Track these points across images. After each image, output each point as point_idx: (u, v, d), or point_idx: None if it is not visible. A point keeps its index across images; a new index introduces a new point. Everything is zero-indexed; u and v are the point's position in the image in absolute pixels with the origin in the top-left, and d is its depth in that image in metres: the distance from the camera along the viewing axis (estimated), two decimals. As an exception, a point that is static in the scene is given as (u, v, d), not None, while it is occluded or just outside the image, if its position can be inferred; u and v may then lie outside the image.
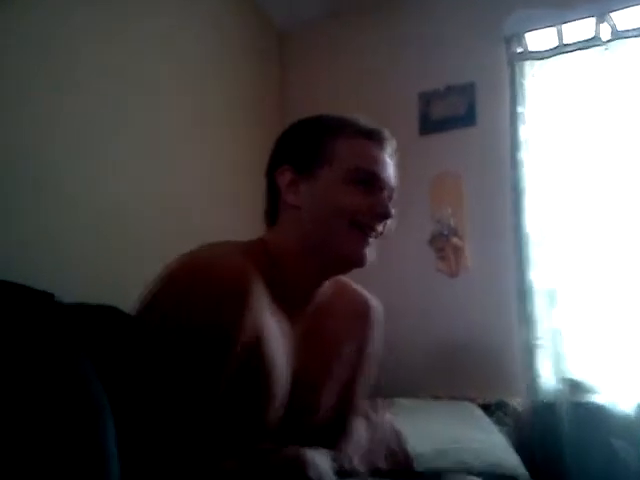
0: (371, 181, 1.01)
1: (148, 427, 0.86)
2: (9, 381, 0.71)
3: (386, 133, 1.07)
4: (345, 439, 1.18)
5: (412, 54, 2.86)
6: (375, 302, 1.21)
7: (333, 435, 1.14)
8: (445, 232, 2.57)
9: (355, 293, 1.20)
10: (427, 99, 2.78)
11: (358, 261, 1.03)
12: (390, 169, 1.05)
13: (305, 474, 0.96)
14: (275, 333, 0.96)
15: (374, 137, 1.04)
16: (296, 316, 1.04)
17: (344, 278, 1.17)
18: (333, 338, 1.11)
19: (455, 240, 2.56)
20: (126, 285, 1.92)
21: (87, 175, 1.95)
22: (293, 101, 3.13)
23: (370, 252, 1.03)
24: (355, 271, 1.07)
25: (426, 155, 2.60)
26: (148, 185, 2.21)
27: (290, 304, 1.02)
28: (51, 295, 1.03)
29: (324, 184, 1.01)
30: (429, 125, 2.75)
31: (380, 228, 1.03)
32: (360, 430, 1.78)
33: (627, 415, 2.09)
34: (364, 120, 1.06)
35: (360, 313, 1.18)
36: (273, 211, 1.08)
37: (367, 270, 1.05)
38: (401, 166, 1.12)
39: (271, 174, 1.07)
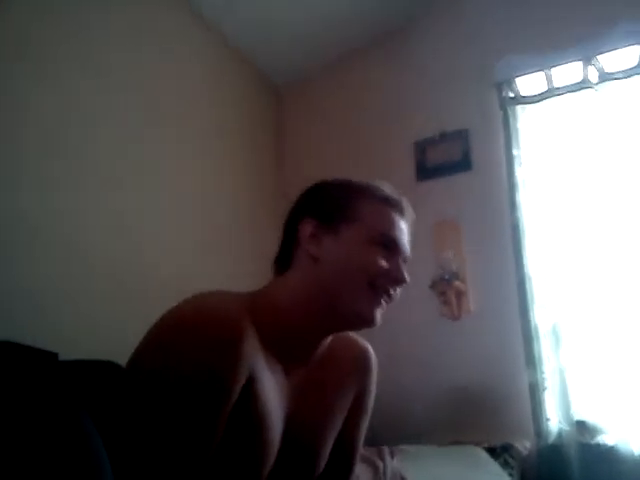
0: (391, 246, 1.04)
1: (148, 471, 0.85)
2: (12, 438, 0.73)
3: (405, 202, 1.11)
4: None
5: (406, 103, 2.95)
6: (371, 349, 1.22)
7: None
8: (446, 276, 2.59)
9: (352, 341, 1.21)
10: (422, 147, 2.85)
11: (370, 321, 1.05)
12: (407, 237, 1.09)
13: None
14: (269, 383, 0.96)
15: (397, 205, 1.08)
16: (292, 367, 1.04)
17: None
18: (330, 387, 1.11)
19: (457, 284, 2.58)
20: (128, 339, 1.96)
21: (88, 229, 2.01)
22: (292, 153, 3.22)
23: (380, 314, 1.05)
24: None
25: (424, 201, 2.64)
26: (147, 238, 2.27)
27: (287, 357, 1.02)
28: (55, 354, 1.06)
29: (348, 241, 1.02)
30: (426, 172, 2.82)
31: (393, 293, 1.06)
32: (366, 478, 1.78)
33: (636, 456, 2.06)
34: (388, 187, 1.09)
35: (358, 361, 1.18)
36: (284, 260, 1.08)
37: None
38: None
39: (292, 224, 1.08)
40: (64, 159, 1.96)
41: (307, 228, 1.04)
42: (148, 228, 2.27)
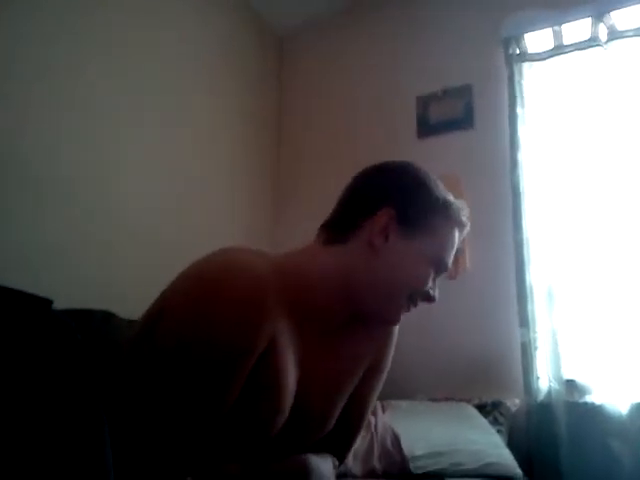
0: (441, 269, 1.05)
1: (151, 427, 0.86)
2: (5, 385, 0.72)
3: (467, 220, 1.09)
4: (349, 450, 1.19)
5: (409, 57, 2.89)
6: None
7: (338, 442, 1.14)
8: (444, 234, 2.57)
9: None
10: (425, 102, 2.80)
11: (393, 324, 1.11)
12: None
13: None
14: (287, 345, 0.95)
15: (463, 228, 1.07)
16: (311, 331, 1.02)
17: None
18: (348, 352, 1.09)
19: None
20: (122, 290, 1.98)
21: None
22: (291, 104, 3.17)
23: None
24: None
25: (425, 158, 2.56)
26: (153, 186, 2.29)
27: (307, 322, 1.00)
28: (49, 301, 1.05)
29: (415, 252, 1.01)
30: (427, 128, 2.77)
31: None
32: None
33: (622, 415, 2.09)
34: (459, 204, 1.07)
35: (381, 329, 1.16)
36: (338, 232, 1.04)
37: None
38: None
39: (370, 203, 1.03)
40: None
41: (384, 218, 1.00)
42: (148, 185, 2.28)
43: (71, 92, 1.97)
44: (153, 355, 0.88)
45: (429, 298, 1.05)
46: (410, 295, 1.03)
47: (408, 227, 1.01)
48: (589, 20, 2.47)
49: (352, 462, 1.66)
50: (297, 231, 1.18)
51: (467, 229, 1.08)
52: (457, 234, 1.06)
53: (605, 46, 2.42)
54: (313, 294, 1.00)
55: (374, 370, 1.16)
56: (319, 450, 1.08)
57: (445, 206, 1.04)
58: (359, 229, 1.01)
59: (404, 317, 1.15)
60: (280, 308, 0.92)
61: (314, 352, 1.02)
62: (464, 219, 1.06)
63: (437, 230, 1.03)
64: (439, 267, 1.04)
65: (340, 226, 1.04)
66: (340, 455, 1.14)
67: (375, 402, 1.24)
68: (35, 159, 1.81)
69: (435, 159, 2.64)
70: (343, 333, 1.07)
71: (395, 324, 1.09)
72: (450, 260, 1.05)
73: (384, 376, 1.19)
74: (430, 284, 1.04)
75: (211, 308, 0.85)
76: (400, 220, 1.00)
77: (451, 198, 1.06)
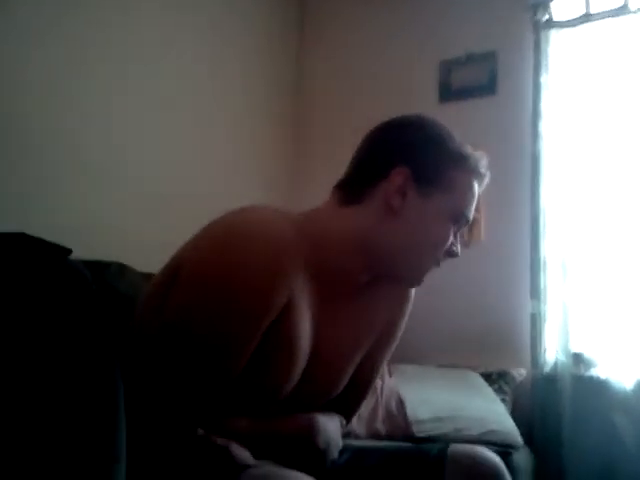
0: (462, 222, 1.02)
1: (166, 379, 0.87)
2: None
3: (486, 168, 1.04)
4: (355, 412, 1.20)
5: (434, 21, 2.81)
6: None
7: (345, 404, 1.14)
8: (460, 202, 2.56)
9: None
10: (448, 67, 2.74)
11: (417, 284, 1.08)
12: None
13: (314, 442, 0.99)
14: (305, 305, 0.95)
15: (482, 179, 1.04)
16: (329, 292, 1.01)
17: None
18: (364, 314, 1.09)
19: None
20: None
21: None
22: (312, 66, 3.12)
23: None
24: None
25: (445, 124, 2.57)
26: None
27: (326, 283, 0.99)
28: (68, 250, 1.05)
29: (434, 210, 0.98)
30: (449, 93, 2.72)
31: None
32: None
33: (627, 390, 2.11)
34: (477, 155, 1.03)
35: (396, 292, 1.14)
36: (354, 192, 1.01)
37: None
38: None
39: (384, 162, 0.99)
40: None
41: (399, 178, 0.97)
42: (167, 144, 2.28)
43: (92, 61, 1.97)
44: (172, 307, 0.89)
45: (452, 254, 1.02)
46: (437, 255, 1.01)
47: (425, 184, 0.98)
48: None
49: (356, 423, 1.69)
50: (317, 187, 1.16)
51: (487, 180, 1.05)
52: (476, 186, 1.02)
53: (637, 14, 2.34)
54: (332, 256, 0.99)
55: (387, 336, 1.16)
56: (326, 410, 1.09)
57: (462, 159, 1.00)
58: (374, 189, 0.99)
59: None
60: (299, 269, 0.92)
61: (330, 315, 1.02)
62: (482, 170, 1.02)
63: (455, 184, 0.99)
64: (460, 221, 1.01)
65: (355, 186, 1.02)
66: (347, 416, 1.15)
67: (384, 367, 1.24)
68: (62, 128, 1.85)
69: (455, 125, 2.59)
70: (360, 298, 1.07)
71: (418, 284, 1.07)
72: (471, 213, 1.02)
73: (396, 342, 1.19)
74: (452, 239, 1.01)
75: (233, 263, 0.86)
76: (416, 178, 0.97)
77: (468, 150, 1.02)
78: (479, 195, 1.04)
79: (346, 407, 1.15)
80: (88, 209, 1.92)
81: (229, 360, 0.88)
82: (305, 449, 1.00)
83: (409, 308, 1.18)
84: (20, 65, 1.74)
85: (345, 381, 1.10)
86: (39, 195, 1.77)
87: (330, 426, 1.05)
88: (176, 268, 0.92)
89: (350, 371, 1.10)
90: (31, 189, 1.75)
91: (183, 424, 0.88)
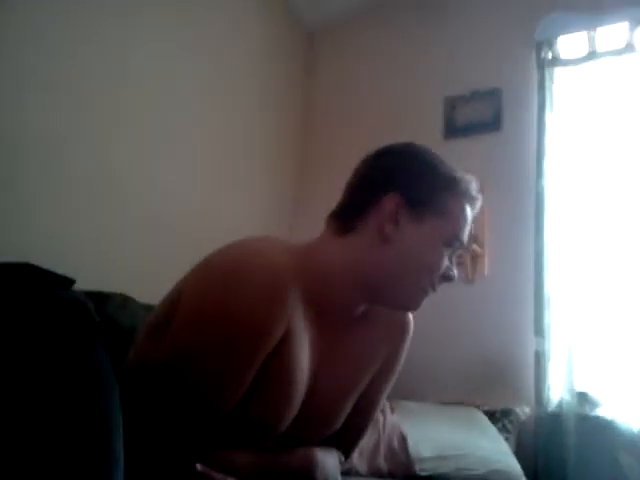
0: (456, 246, 1.03)
1: (164, 411, 0.87)
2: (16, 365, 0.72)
3: (478, 192, 1.06)
4: (355, 447, 1.18)
5: (439, 57, 2.86)
6: (410, 315, 1.19)
7: (344, 439, 1.13)
8: (464, 238, 2.56)
9: None
10: (452, 103, 2.78)
11: (413, 310, 1.09)
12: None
13: (312, 477, 0.99)
14: (303, 338, 0.95)
15: (474, 202, 1.05)
16: (328, 325, 1.01)
17: None
18: (362, 348, 1.09)
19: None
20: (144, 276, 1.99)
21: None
22: (318, 100, 3.16)
23: None
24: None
25: (450, 160, 2.58)
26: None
27: (324, 315, 1.00)
28: (71, 281, 1.05)
29: (428, 235, 0.99)
30: (454, 129, 2.75)
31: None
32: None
33: (633, 431, 2.07)
34: (467, 178, 1.04)
35: (395, 325, 1.15)
36: (347, 221, 1.02)
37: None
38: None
39: (376, 189, 1.01)
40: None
41: (391, 204, 0.98)
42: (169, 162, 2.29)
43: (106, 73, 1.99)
44: (170, 342, 0.89)
45: (448, 277, 1.02)
46: (432, 280, 1.01)
47: (417, 209, 0.99)
48: (626, 25, 2.43)
49: (358, 460, 1.66)
50: (317, 219, 1.17)
51: (479, 203, 1.05)
52: (469, 209, 1.03)
53: (640, 53, 2.37)
54: (331, 289, 0.99)
55: (386, 369, 1.15)
56: (325, 444, 1.08)
57: (453, 182, 1.01)
58: (367, 216, 1.00)
59: (419, 318, 1.14)
60: (297, 301, 0.92)
61: (329, 347, 1.01)
62: (474, 193, 1.03)
63: (447, 208, 1.00)
64: (454, 245, 1.01)
65: (348, 215, 1.03)
66: (345, 452, 1.14)
67: (384, 401, 1.23)
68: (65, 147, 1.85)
69: (460, 161, 2.61)
70: (359, 329, 1.07)
71: (415, 309, 1.06)
72: (465, 236, 1.03)
73: (395, 376, 1.18)
74: (447, 263, 1.01)
75: (232, 295, 0.86)
76: (408, 203, 0.98)
77: (459, 174, 1.02)
78: (476, 221, 1.05)
79: (345, 442, 1.14)
80: (90, 238, 1.92)
81: (225, 395, 0.87)
82: None
83: (409, 341, 1.17)
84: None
85: (344, 416, 1.09)
86: (39, 223, 1.77)
87: (329, 461, 1.04)
88: (176, 301, 0.92)
89: (349, 405, 1.09)
90: (31, 217, 1.75)
91: (178, 457, 0.87)
